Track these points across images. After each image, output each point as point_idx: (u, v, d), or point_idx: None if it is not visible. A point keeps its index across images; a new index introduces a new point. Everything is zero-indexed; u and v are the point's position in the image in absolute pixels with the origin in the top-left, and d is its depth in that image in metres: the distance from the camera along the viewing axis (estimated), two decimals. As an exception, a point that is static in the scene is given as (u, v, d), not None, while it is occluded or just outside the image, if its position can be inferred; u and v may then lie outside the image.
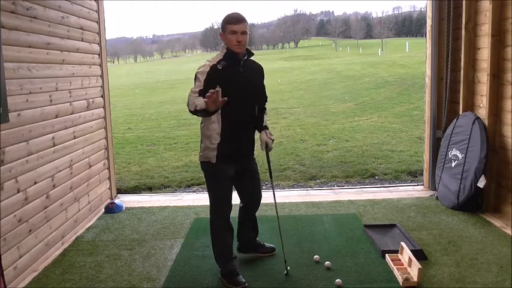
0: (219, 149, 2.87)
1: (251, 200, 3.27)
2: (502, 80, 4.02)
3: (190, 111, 2.71)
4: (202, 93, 2.65)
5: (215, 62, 2.82)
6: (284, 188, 5.74)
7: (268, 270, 3.22)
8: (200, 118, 2.92)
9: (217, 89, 2.54)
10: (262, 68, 3.12)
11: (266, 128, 3.10)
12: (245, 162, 3.10)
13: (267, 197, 4.85)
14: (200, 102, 2.59)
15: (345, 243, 3.64)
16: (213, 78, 2.74)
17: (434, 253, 3.38)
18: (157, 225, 4.21)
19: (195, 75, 2.80)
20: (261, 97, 3.12)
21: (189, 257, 3.49)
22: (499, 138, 4.10)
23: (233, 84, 2.80)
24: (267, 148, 3.07)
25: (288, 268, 3.16)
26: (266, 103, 3.19)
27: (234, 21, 2.81)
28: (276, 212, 3.30)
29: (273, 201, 3.23)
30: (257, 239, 3.47)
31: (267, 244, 3.50)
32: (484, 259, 3.25)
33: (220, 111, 2.74)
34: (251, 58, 2.99)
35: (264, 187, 5.81)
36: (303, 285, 3.00)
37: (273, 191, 3.30)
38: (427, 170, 5.14)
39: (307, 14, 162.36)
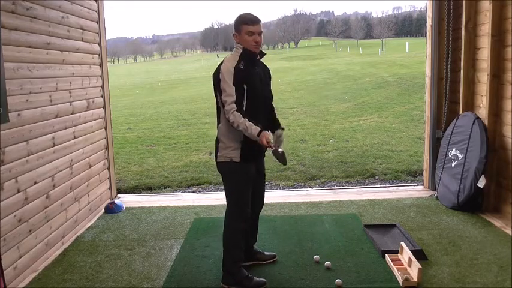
0: (243, 147, 2.84)
1: (259, 201, 3.19)
2: (502, 80, 4.02)
3: (235, 127, 2.72)
4: (236, 99, 2.70)
5: (236, 62, 2.79)
6: (284, 188, 5.73)
7: (268, 270, 3.21)
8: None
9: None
10: (269, 69, 3.14)
11: (282, 127, 3.07)
12: (260, 160, 3.08)
13: (266, 196, 4.87)
14: (254, 133, 2.67)
15: (345, 243, 3.64)
16: (238, 78, 2.74)
17: (434, 253, 3.38)
18: (157, 225, 4.21)
19: (219, 77, 2.74)
20: (272, 96, 3.14)
21: (189, 257, 3.49)
22: (499, 138, 4.10)
23: (253, 83, 2.82)
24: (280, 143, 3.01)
25: None
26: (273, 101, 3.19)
27: (251, 22, 2.81)
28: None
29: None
30: (255, 246, 3.35)
31: (266, 252, 3.37)
32: (484, 259, 3.25)
33: (241, 110, 2.73)
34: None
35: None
36: (303, 285, 3.00)
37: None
38: (427, 170, 5.14)
39: (307, 14, 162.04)
